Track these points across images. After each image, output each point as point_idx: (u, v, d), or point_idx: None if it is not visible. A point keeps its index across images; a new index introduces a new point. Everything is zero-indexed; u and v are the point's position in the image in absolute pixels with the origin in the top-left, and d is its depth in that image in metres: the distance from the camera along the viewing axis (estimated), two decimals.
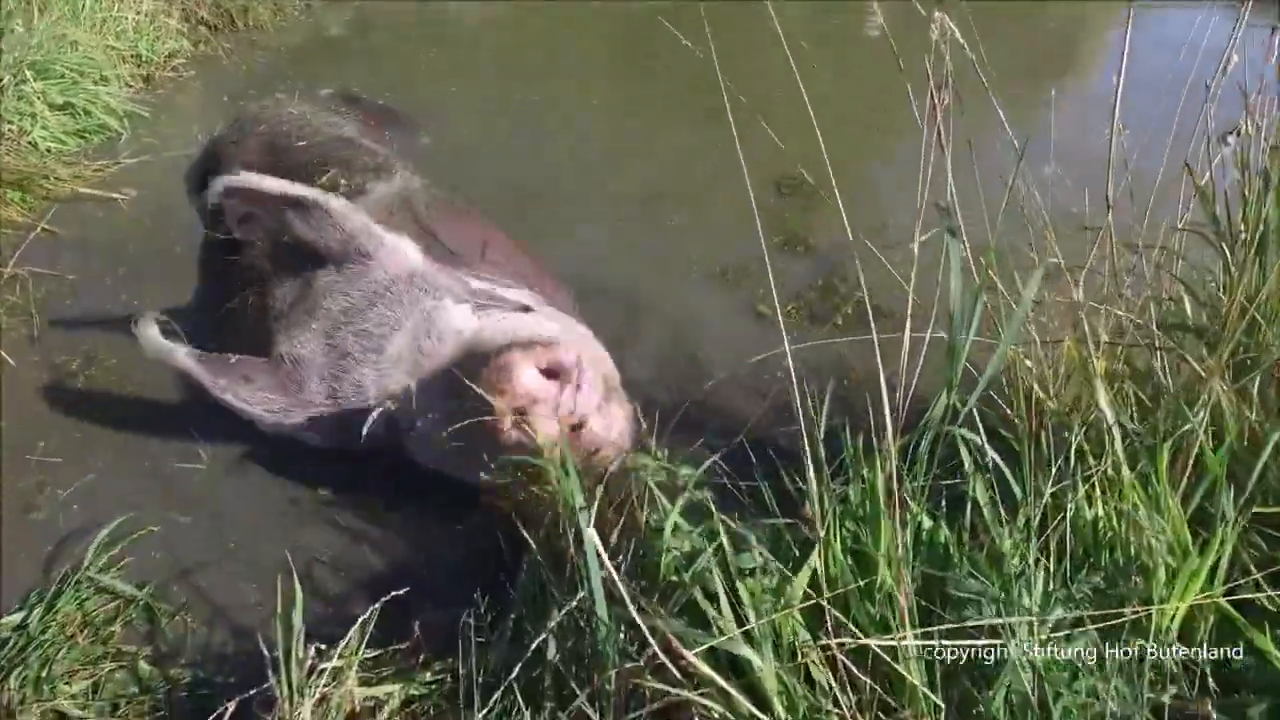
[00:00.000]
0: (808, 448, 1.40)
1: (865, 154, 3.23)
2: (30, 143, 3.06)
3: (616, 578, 1.06)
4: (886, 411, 1.21)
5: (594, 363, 1.61)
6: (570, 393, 1.50)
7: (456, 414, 1.51)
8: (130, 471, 1.94)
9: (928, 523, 1.29)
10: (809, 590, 1.19)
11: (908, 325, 1.18)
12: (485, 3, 4.73)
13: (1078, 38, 4.56)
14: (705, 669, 1.02)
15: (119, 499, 1.84)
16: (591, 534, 1.11)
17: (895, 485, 1.20)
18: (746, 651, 1.04)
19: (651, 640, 1.08)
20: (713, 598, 1.22)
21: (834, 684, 1.12)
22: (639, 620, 1.06)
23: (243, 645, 1.57)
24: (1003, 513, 1.29)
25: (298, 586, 1.34)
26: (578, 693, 1.12)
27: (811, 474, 1.22)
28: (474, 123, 3.49)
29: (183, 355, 1.74)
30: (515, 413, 1.46)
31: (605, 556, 1.08)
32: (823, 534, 1.22)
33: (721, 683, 1.03)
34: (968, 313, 1.14)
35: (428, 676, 1.36)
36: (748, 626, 1.08)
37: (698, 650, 1.02)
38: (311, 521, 1.82)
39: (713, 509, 1.33)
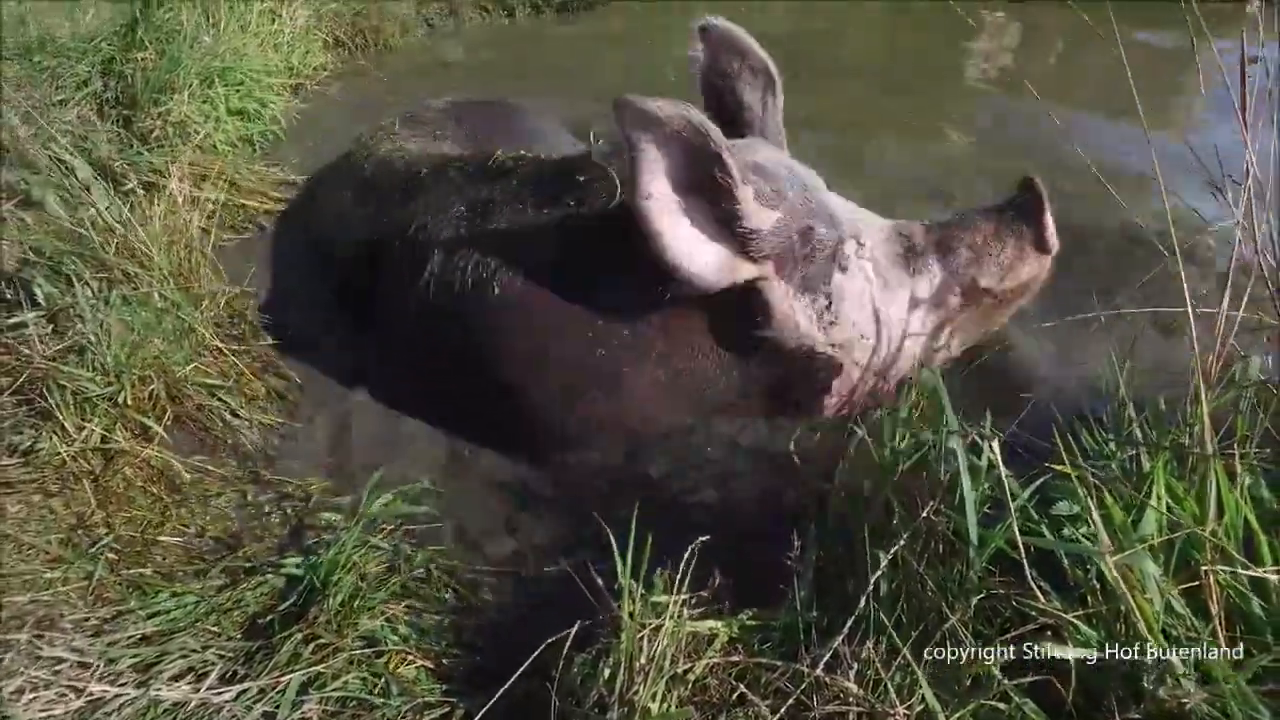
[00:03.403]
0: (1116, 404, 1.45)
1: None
2: (213, 145, 3.23)
3: (1011, 486, 1.11)
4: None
5: None
6: None
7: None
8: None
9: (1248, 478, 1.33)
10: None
11: None
12: None
13: None
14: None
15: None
16: (959, 442, 1.17)
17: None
18: (1146, 564, 1.09)
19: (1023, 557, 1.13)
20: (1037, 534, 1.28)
21: (1191, 617, 1.16)
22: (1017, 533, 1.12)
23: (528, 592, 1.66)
24: None
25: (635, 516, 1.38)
26: (949, 615, 1.17)
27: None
28: None
29: None
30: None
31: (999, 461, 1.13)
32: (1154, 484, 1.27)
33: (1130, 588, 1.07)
34: None
35: (749, 616, 1.41)
36: (1127, 553, 1.13)
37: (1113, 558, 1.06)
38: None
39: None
